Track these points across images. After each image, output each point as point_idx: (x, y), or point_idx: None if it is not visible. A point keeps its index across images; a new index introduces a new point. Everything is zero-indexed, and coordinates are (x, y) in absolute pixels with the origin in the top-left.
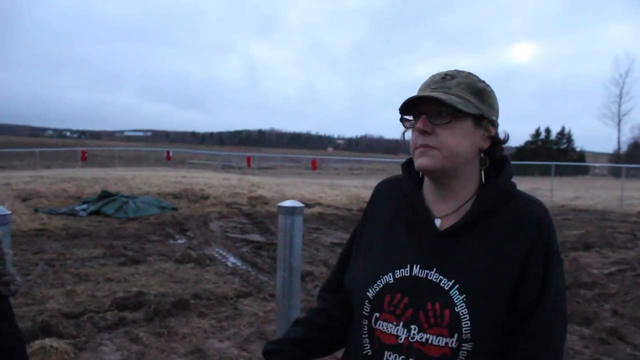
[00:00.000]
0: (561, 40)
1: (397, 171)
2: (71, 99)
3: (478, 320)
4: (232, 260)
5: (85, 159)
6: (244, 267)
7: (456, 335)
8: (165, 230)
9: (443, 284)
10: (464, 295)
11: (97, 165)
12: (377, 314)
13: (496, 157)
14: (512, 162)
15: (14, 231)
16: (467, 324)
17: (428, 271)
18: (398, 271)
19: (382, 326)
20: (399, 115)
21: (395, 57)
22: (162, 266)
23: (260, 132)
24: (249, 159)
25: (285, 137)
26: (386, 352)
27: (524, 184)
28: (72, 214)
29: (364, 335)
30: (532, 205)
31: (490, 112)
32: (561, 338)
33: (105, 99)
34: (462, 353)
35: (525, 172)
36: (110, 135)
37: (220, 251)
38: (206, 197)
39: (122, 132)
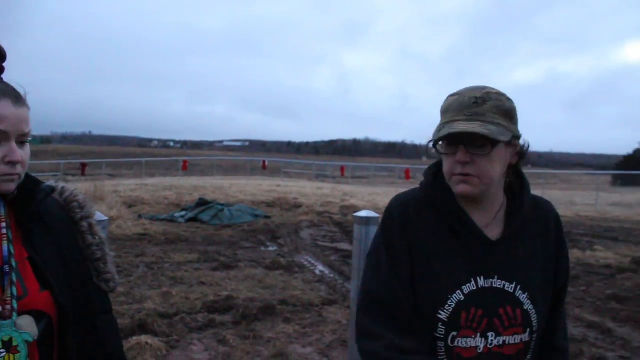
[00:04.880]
0: None
1: None
2: (174, 111)
3: (541, 311)
4: (320, 268)
5: (187, 168)
6: (332, 275)
7: (528, 329)
8: (257, 237)
9: (507, 287)
10: (526, 294)
11: (198, 174)
12: (455, 333)
13: (519, 166)
14: (619, 172)
15: (120, 235)
16: (535, 317)
17: (491, 280)
18: (465, 287)
19: (462, 342)
20: (432, 141)
21: (493, 61)
22: (252, 272)
23: (355, 142)
24: (342, 169)
25: (380, 146)
26: None
27: (631, 196)
28: (172, 220)
29: (440, 356)
30: (548, 204)
31: (516, 129)
32: None
33: (203, 110)
34: (532, 344)
35: (633, 182)
36: (210, 145)
37: (309, 259)
38: (299, 206)
39: (222, 142)
